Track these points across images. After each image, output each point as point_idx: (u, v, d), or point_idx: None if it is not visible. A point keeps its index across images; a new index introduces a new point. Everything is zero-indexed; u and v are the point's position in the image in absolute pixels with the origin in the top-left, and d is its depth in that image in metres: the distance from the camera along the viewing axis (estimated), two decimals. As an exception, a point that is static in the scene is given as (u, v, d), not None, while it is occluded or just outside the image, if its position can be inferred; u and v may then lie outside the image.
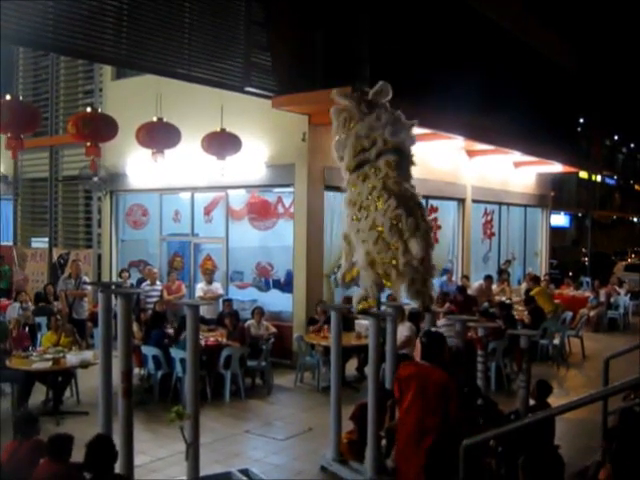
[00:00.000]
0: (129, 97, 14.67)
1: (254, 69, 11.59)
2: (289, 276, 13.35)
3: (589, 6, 22.05)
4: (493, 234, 19.42)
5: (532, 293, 14.87)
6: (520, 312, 13.84)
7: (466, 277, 16.41)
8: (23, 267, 16.80)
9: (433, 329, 6.70)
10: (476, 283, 15.87)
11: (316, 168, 12.64)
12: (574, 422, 7.84)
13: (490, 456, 5.97)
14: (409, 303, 9.45)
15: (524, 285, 17.21)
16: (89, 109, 10.87)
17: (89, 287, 13.50)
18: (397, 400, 5.74)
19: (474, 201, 17.77)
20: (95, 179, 15.21)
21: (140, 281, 14.23)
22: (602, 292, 18.15)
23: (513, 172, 19.51)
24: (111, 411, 6.08)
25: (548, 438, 6.24)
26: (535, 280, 16.36)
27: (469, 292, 14.62)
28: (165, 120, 10.98)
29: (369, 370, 7.33)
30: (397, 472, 5.75)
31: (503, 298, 15.05)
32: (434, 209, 16.52)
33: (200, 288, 13.13)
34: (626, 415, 6.09)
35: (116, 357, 5.98)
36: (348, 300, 10.41)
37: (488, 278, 15.86)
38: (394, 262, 6.54)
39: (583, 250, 34.34)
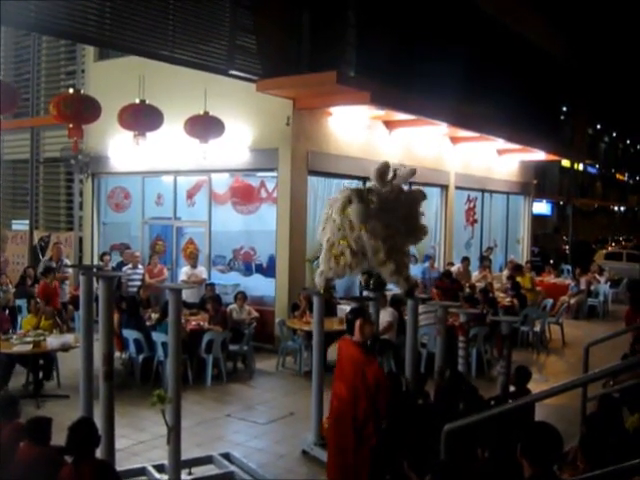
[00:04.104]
0: (112, 78, 14.50)
1: (239, 52, 11.48)
2: (272, 261, 13.33)
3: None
4: (476, 221, 19.51)
5: (518, 280, 15.00)
6: (501, 299, 13.92)
7: (450, 264, 16.47)
8: (3, 249, 16.65)
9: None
10: (454, 267, 15.96)
11: (300, 152, 12.60)
12: (554, 408, 7.92)
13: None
14: (392, 289, 9.52)
15: (505, 272, 17.32)
16: (71, 90, 10.73)
17: (70, 270, 13.41)
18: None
19: (457, 188, 17.82)
20: (77, 161, 15.05)
21: (120, 264, 14.15)
22: (582, 280, 18.29)
23: (496, 160, 19.58)
24: (92, 394, 6.04)
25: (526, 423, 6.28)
26: (517, 269, 16.44)
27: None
28: (148, 102, 10.88)
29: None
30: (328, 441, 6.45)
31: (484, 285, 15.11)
32: (417, 195, 16.52)
33: (184, 272, 13.08)
34: (605, 401, 6.16)
35: (97, 340, 5.94)
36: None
37: (465, 260, 15.98)
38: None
39: (564, 238, 34.57)
